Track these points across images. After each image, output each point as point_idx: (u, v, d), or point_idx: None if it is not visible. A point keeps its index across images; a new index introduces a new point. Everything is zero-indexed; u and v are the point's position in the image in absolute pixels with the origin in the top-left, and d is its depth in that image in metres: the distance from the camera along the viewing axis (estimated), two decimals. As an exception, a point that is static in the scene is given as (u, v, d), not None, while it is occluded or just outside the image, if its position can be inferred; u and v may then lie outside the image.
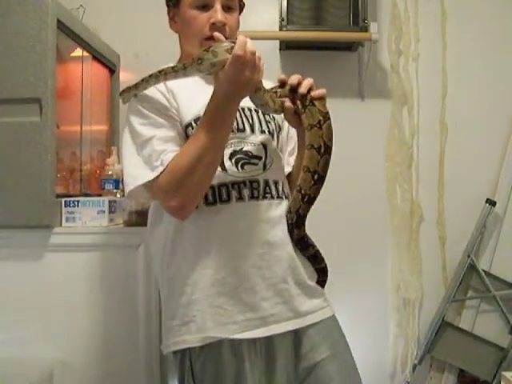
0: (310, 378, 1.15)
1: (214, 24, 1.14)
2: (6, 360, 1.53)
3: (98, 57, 2.03)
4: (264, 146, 1.19)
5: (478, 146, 2.28)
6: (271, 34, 2.16)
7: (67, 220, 1.64)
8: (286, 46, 2.23)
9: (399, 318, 2.28)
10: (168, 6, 1.24)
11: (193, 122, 1.13)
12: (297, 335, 1.16)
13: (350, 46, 2.24)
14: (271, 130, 1.22)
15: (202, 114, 1.10)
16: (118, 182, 1.85)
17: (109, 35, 2.14)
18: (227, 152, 1.13)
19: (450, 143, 2.30)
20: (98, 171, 2.00)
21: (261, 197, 1.15)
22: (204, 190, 1.09)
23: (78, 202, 1.64)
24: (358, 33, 2.11)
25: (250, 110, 1.20)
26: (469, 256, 2.18)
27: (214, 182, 1.11)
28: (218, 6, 1.14)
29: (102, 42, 2.06)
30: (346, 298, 2.19)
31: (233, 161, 1.14)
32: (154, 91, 1.13)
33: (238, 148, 1.15)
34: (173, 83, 1.14)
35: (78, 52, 1.92)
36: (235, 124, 1.15)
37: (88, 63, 1.99)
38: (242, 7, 1.24)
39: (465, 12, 2.29)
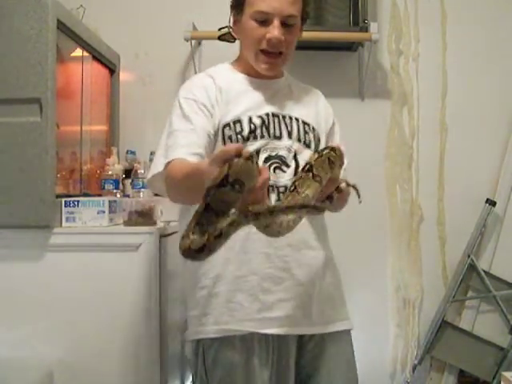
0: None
1: (270, 40, 1.16)
2: (6, 360, 1.53)
3: (97, 57, 2.03)
4: (296, 154, 1.21)
5: (478, 146, 2.28)
6: (271, 34, 2.15)
7: (67, 220, 1.63)
8: (286, 46, 2.23)
9: (399, 319, 2.27)
10: (232, 10, 1.26)
11: (231, 123, 1.17)
12: (302, 339, 1.19)
13: (350, 46, 2.24)
14: (308, 140, 1.23)
15: (242, 117, 1.17)
16: (117, 182, 1.85)
17: (109, 35, 2.15)
18: (262, 156, 1.18)
19: (450, 143, 2.30)
20: (98, 171, 2.00)
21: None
22: (186, 200, 1.15)
23: (77, 202, 1.64)
24: (357, 33, 2.11)
25: (290, 118, 1.23)
26: (469, 256, 2.18)
27: None
28: (276, 23, 1.16)
29: (102, 42, 2.06)
30: (345, 298, 2.19)
31: (266, 165, 1.17)
32: (198, 83, 1.21)
33: (273, 153, 1.19)
34: (222, 80, 1.22)
35: (78, 52, 1.92)
36: (272, 130, 1.19)
37: (88, 63, 1.99)
38: (305, 20, 1.26)
39: (465, 12, 2.29)
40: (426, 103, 2.30)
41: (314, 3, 2.14)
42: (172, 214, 1.84)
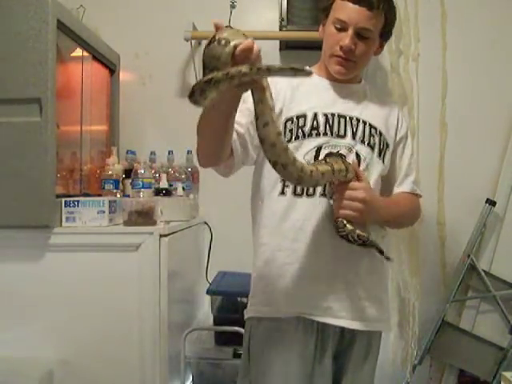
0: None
1: (342, 47, 1.23)
2: (6, 360, 1.53)
3: (98, 57, 2.03)
4: (359, 155, 1.24)
5: (478, 146, 2.28)
6: (271, 33, 2.16)
7: (67, 220, 1.64)
8: (286, 45, 2.23)
9: (399, 319, 2.27)
10: (320, 14, 1.34)
11: (295, 118, 1.23)
12: (343, 333, 1.23)
13: (350, 46, 2.24)
14: (372, 143, 1.27)
15: (307, 113, 1.22)
16: (117, 182, 1.85)
17: (109, 35, 2.15)
18: (324, 152, 1.22)
19: (450, 143, 2.29)
20: (98, 171, 2.00)
21: None
22: (208, 151, 1.13)
23: (77, 202, 1.64)
24: (357, 33, 2.11)
25: (358, 120, 1.27)
26: (469, 256, 2.18)
27: None
28: (350, 32, 1.22)
29: (102, 42, 2.06)
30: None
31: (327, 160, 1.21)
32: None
33: (334, 150, 1.23)
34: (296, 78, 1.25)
35: (78, 52, 1.92)
36: (336, 129, 1.24)
37: (88, 63, 1.99)
38: (385, 37, 1.30)
39: (465, 12, 2.29)
40: (426, 103, 2.30)
41: (314, 3, 2.14)
42: (172, 214, 1.85)
